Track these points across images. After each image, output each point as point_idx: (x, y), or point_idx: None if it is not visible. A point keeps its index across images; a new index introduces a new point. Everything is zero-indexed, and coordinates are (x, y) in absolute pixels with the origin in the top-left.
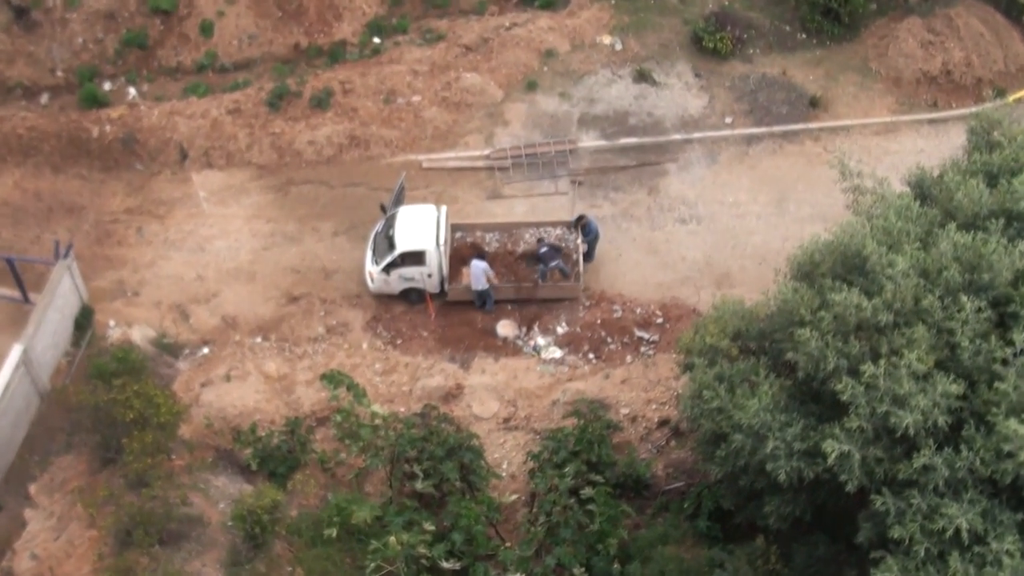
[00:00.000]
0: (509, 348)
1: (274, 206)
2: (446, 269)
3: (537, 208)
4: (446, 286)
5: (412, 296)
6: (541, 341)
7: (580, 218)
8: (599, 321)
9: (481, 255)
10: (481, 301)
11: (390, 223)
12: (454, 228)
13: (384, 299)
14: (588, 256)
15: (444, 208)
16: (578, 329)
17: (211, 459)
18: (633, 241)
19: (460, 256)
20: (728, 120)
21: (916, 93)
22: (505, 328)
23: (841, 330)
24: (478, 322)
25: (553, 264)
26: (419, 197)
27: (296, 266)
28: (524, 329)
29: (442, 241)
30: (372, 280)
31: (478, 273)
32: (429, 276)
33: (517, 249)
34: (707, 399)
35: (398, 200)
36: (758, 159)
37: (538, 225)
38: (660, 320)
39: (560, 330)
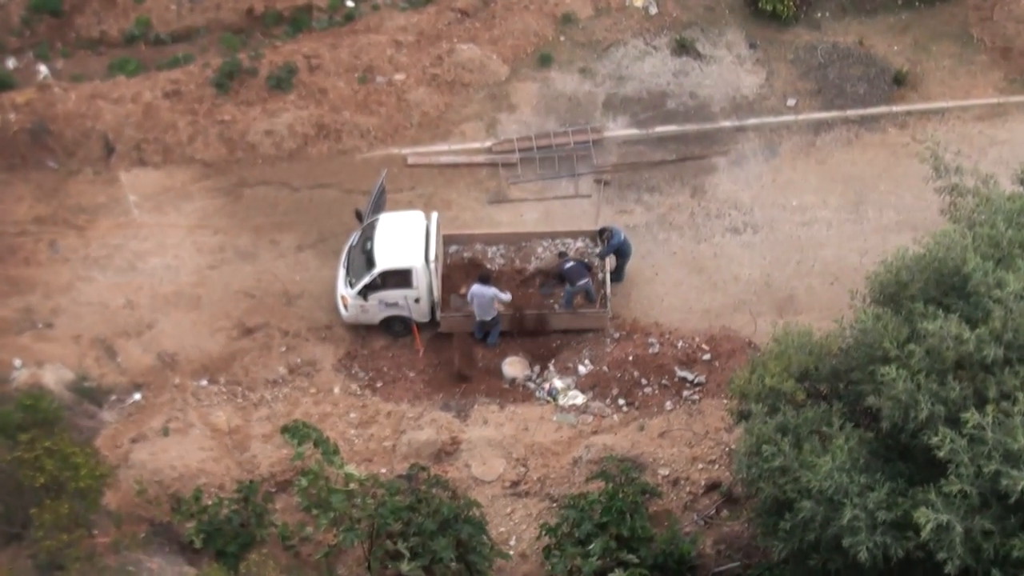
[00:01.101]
0: (518, 392)
1: (223, 213)
2: (438, 292)
3: (552, 215)
4: (438, 313)
5: (396, 327)
6: (558, 383)
7: (603, 231)
8: (631, 358)
9: (485, 277)
10: (483, 332)
11: (368, 234)
12: (448, 240)
13: (361, 331)
14: (616, 275)
15: (435, 215)
16: (605, 368)
17: (144, 535)
18: (673, 256)
19: (455, 275)
20: (791, 102)
21: None
22: (513, 367)
23: (936, 368)
24: (479, 358)
25: (582, 283)
26: (404, 201)
27: (251, 289)
28: (536, 368)
29: (433, 257)
30: (346, 307)
31: (485, 302)
32: (417, 301)
33: (527, 267)
34: (767, 456)
35: (377, 205)
36: (828, 151)
37: (554, 236)
38: (707, 356)
39: (582, 369)
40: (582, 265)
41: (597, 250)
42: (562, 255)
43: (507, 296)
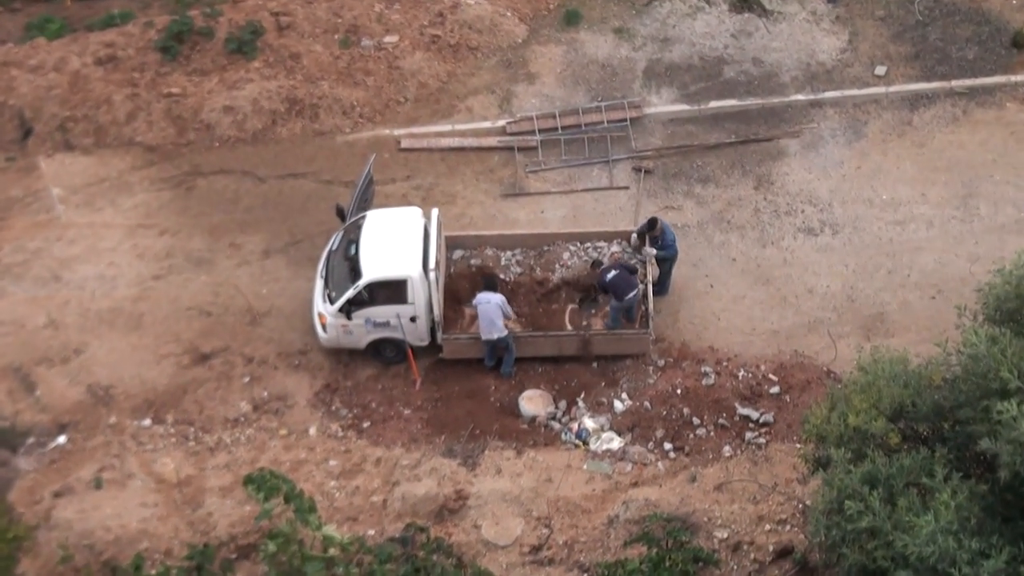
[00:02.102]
0: (539, 434)
1: (171, 210)
2: (439, 309)
3: (581, 211)
4: (439, 335)
5: (387, 352)
6: (590, 423)
7: (652, 223)
8: (679, 391)
9: (491, 281)
10: (495, 359)
11: (352, 236)
12: (451, 244)
13: (343, 357)
14: (659, 287)
15: (436, 212)
16: (647, 404)
17: None
18: (731, 263)
19: (461, 287)
20: (880, 71)
21: None
22: (533, 403)
23: None
24: (490, 392)
25: (632, 296)
26: (397, 195)
27: (206, 305)
28: (562, 404)
29: (433, 264)
30: (324, 327)
31: (491, 313)
32: (413, 320)
33: (550, 276)
34: (852, 515)
35: (364, 200)
36: (929, 132)
37: (583, 239)
38: (775, 389)
39: (619, 405)
40: (626, 272)
41: (646, 249)
42: (596, 265)
43: (510, 309)
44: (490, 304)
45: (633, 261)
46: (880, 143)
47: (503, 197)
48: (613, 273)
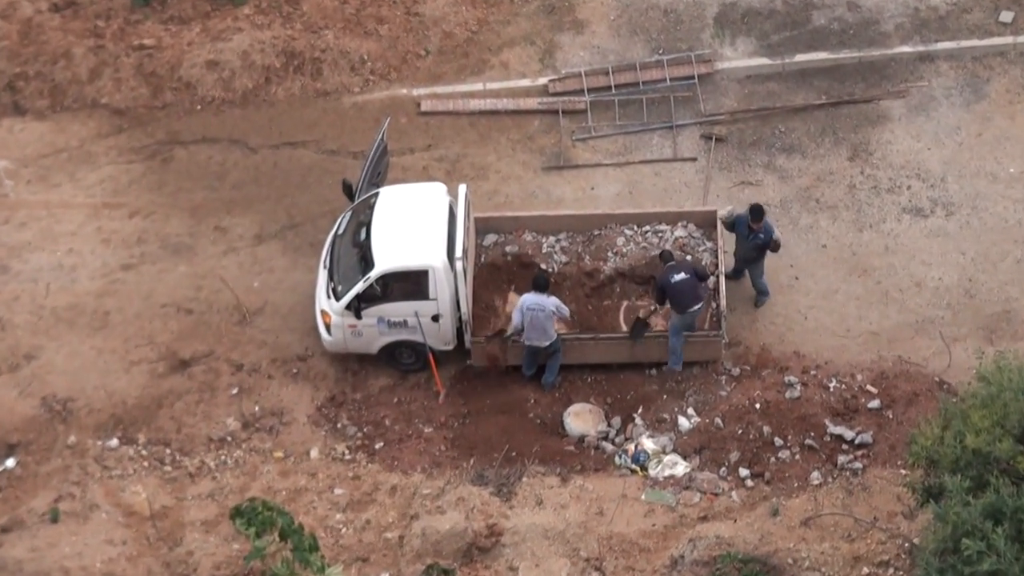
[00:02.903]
0: (588, 458)
1: (144, 186)
2: (467, 305)
3: (639, 187)
4: (468, 338)
5: (404, 358)
6: (649, 444)
7: (757, 212)
8: (758, 406)
9: (542, 283)
10: (535, 366)
11: (363, 218)
12: (482, 227)
13: (352, 364)
14: (736, 271)
15: (464, 189)
16: (719, 421)
17: None
18: (821, 251)
19: (493, 279)
20: (1007, 17)
21: None
22: (580, 419)
23: None
24: (529, 406)
25: (694, 310)
26: (416, 168)
27: (186, 302)
28: (616, 421)
29: (460, 252)
30: (328, 328)
31: (541, 320)
32: (436, 319)
33: (601, 266)
34: (971, 556)
35: (376, 174)
36: None
37: (641, 221)
38: (875, 404)
39: (685, 423)
40: (696, 278)
41: (759, 236)
42: (665, 257)
43: (568, 311)
44: (543, 312)
45: (703, 267)
46: (1006, 105)
47: (545, 171)
48: (680, 276)
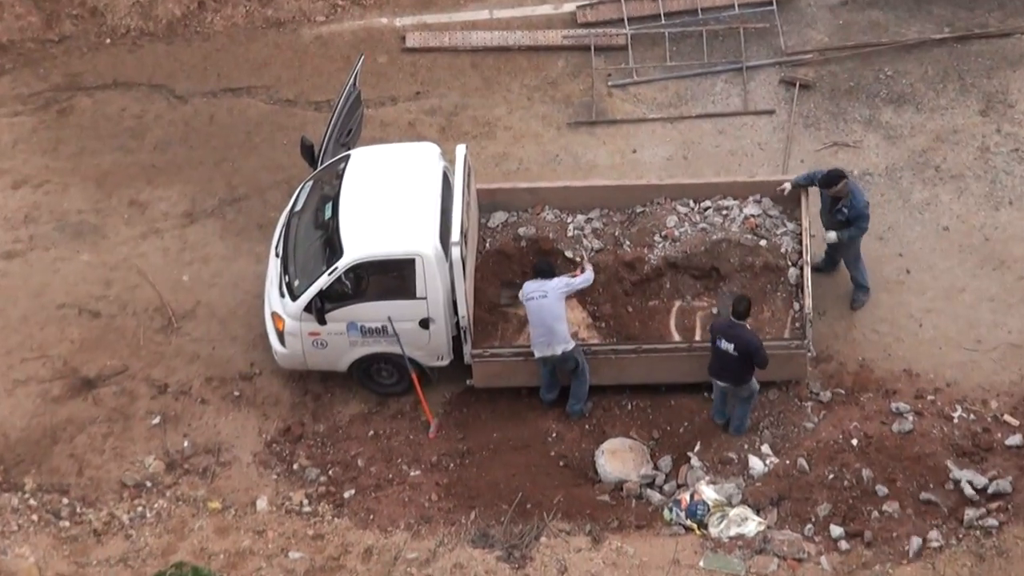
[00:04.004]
0: (628, 510)
1: (34, 146)
2: (468, 306)
3: (697, 149)
4: (467, 351)
5: (383, 377)
6: (710, 493)
7: (833, 179)
8: (856, 442)
9: (545, 268)
10: (557, 388)
11: (328, 190)
12: (488, 202)
13: (312, 385)
14: (827, 261)
15: (463, 152)
16: (802, 462)
17: None
18: (942, 235)
19: (501, 271)
20: None
21: None
22: (618, 459)
23: None
24: (549, 442)
25: (724, 386)
26: (400, 123)
27: (90, 301)
28: (666, 462)
29: (458, 235)
30: (282, 337)
31: (547, 312)
32: (425, 325)
33: (646, 256)
34: None
35: (346, 131)
36: None
37: (699, 193)
38: (1015, 440)
39: (758, 464)
40: (740, 355)
41: (842, 211)
42: (738, 308)
43: (585, 277)
44: (545, 299)
45: (782, 241)
46: None
47: (571, 127)
48: (724, 346)
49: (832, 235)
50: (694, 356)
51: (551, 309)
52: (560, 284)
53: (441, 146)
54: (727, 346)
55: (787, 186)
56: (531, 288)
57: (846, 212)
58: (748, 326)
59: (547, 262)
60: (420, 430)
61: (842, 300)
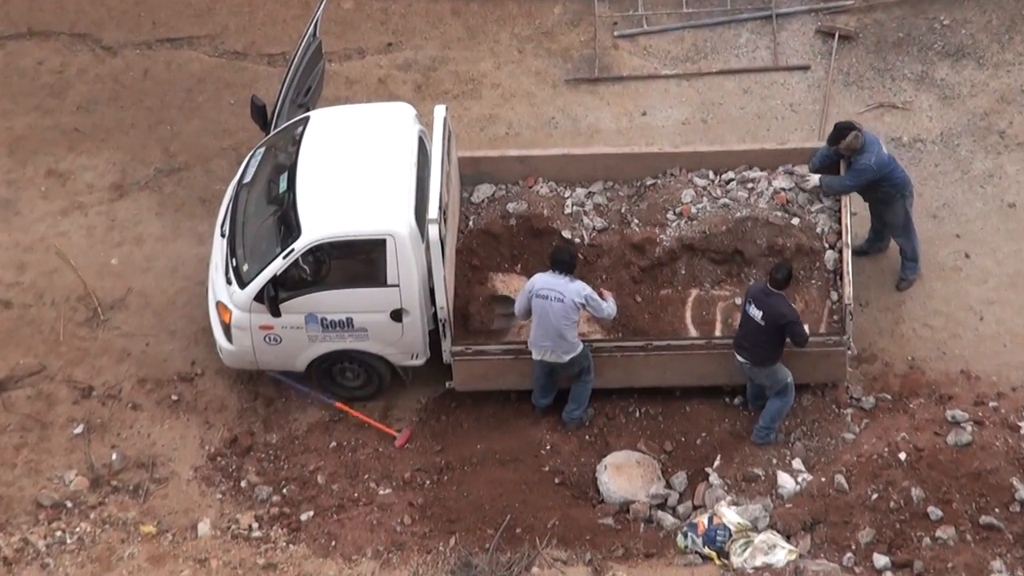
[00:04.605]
0: (635, 535)
1: None
2: (448, 296)
3: (718, 112)
4: (448, 348)
5: (347, 379)
6: (732, 516)
7: (841, 129)
8: (904, 456)
9: (563, 259)
10: (553, 392)
11: (283, 159)
12: (472, 173)
13: (264, 388)
14: (873, 240)
15: (443, 114)
16: (840, 480)
17: None
18: (1007, 214)
19: (489, 255)
20: None
21: None
22: (622, 476)
23: None
24: (543, 455)
25: (742, 362)
26: (368, 80)
27: None
28: (680, 479)
29: (435, 211)
30: (228, 332)
31: (558, 317)
32: (398, 317)
33: (658, 236)
34: None
35: (305, 89)
36: None
37: (720, 163)
38: None
39: (788, 482)
40: (770, 325)
41: (810, 177)
42: (778, 277)
43: (610, 306)
44: (561, 303)
45: (814, 209)
46: None
47: (570, 85)
48: (752, 311)
49: (813, 179)
50: (714, 354)
51: (565, 315)
52: (583, 292)
53: (417, 107)
54: (755, 313)
55: (813, 180)
56: (545, 283)
57: (857, 160)
58: (786, 297)
59: (569, 252)
60: (391, 441)
61: (888, 288)
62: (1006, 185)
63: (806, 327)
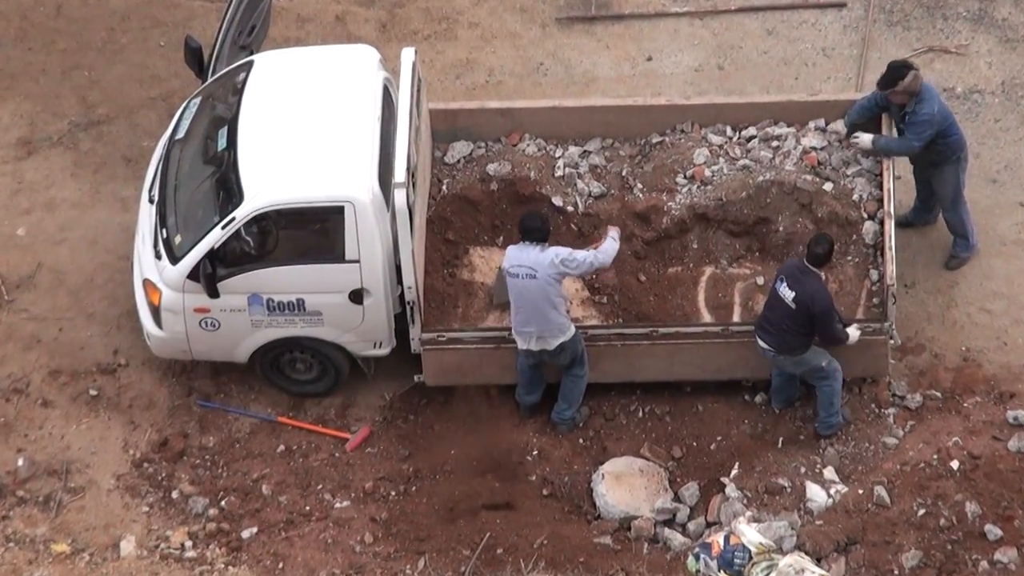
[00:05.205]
0: (638, 558)
1: None
2: (417, 275)
3: (737, 57)
4: (417, 335)
5: (297, 371)
6: (752, 535)
7: (897, 70)
8: (957, 465)
9: (535, 227)
10: (540, 388)
11: (222, 111)
12: (447, 128)
13: (202, 382)
14: (919, 211)
15: (411, 58)
16: (880, 493)
17: None
18: None
19: (467, 225)
20: None
21: None
22: (623, 487)
23: None
24: (529, 462)
25: (765, 348)
26: (324, 19)
27: None
28: (690, 490)
29: (403, 174)
30: (158, 316)
31: (537, 294)
32: (359, 300)
33: (665, 202)
34: None
35: (248, 28)
36: None
37: (741, 119)
38: None
39: (819, 496)
40: (801, 306)
41: (860, 137)
42: (816, 251)
43: (604, 252)
44: (534, 280)
45: (853, 170)
46: None
47: (561, 24)
48: (783, 289)
49: (866, 139)
50: (732, 344)
51: (543, 294)
52: (557, 258)
53: (381, 50)
54: (787, 293)
55: (864, 140)
56: (514, 259)
57: (916, 110)
58: (824, 278)
59: (539, 217)
60: (336, 445)
61: (939, 266)
62: None
63: (841, 325)
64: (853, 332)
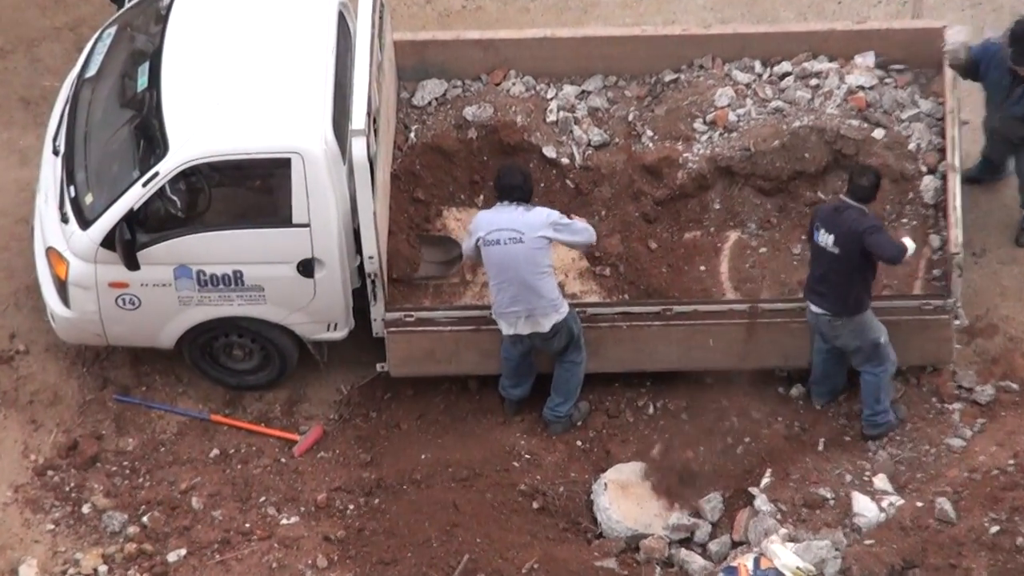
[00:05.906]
0: None
1: None
2: (379, 243)
3: None
4: (379, 314)
5: (234, 359)
6: (787, 556)
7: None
8: None
9: (513, 184)
10: (530, 379)
11: (142, 44)
12: (416, 65)
13: (118, 372)
14: (985, 166)
15: None
16: (945, 506)
17: None
18: None
19: (441, 181)
20: None
21: None
22: (629, 498)
23: None
24: (516, 468)
25: (820, 313)
26: None
27: None
28: (712, 502)
29: (361, 121)
30: (64, 292)
31: (522, 262)
32: (310, 272)
33: (681, 153)
34: None
35: None
36: None
37: (770, 52)
38: None
39: (870, 509)
40: (848, 252)
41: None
42: (860, 182)
43: (585, 228)
44: (524, 242)
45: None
46: None
47: None
48: (823, 238)
49: (959, 34)
50: (762, 325)
51: (531, 260)
52: (549, 219)
53: None
54: (826, 240)
55: (957, 43)
56: (492, 223)
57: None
58: (868, 212)
59: (520, 172)
60: (282, 449)
61: (1011, 231)
62: None
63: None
64: (909, 243)
